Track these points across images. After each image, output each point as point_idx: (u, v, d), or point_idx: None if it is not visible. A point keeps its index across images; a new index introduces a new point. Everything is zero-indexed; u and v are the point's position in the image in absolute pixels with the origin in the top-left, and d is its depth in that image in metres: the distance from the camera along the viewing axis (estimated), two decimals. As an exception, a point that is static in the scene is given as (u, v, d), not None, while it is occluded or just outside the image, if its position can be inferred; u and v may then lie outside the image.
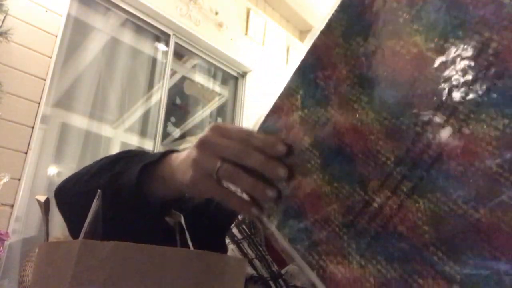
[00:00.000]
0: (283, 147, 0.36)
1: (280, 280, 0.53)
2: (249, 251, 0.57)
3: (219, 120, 3.06)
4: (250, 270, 0.55)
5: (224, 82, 3.12)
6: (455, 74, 0.29)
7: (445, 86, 0.29)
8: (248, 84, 3.09)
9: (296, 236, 0.34)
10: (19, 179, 1.74)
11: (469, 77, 0.28)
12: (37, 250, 0.34)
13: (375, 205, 0.30)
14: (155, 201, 0.46)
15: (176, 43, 2.67)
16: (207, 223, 0.62)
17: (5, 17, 1.74)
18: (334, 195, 0.33)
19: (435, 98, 0.29)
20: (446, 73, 0.29)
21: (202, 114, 3.01)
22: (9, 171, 1.60)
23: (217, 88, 3.07)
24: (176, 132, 2.82)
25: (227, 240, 0.59)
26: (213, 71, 3.02)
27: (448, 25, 0.30)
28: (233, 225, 0.61)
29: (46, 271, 0.32)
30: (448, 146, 0.28)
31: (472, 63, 0.28)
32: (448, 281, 0.26)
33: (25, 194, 1.78)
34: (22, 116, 1.79)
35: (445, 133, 0.28)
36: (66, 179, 0.55)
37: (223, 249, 0.59)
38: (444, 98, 0.29)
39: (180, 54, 2.82)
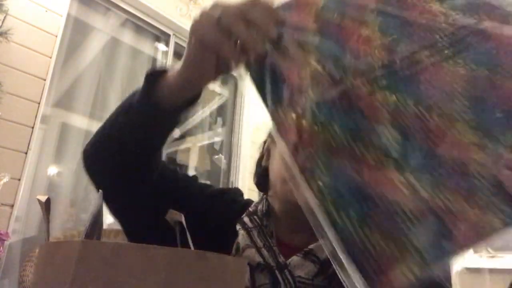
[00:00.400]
0: (282, 15, 0.42)
1: (286, 271, 0.53)
2: (258, 240, 0.58)
3: (219, 120, 3.06)
4: (257, 258, 0.56)
5: (224, 82, 3.12)
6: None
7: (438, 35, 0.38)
8: (248, 84, 3.09)
9: (273, 96, 0.39)
10: (19, 179, 1.74)
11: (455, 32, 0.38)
12: (37, 250, 0.34)
13: (348, 85, 0.37)
14: (168, 107, 0.51)
15: (176, 43, 2.67)
16: (209, 222, 0.62)
17: (5, 17, 1.73)
18: (317, 71, 0.38)
19: (430, 39, 0.38)
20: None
21: (202, 114, 3.01)
22: (9, 171, 1.59)
23: (217, 88, 3.07)
24: (176, 132, 2.82)
25: (238, 227, 0.60)
26: (213, 71, 3.01)
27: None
28: (244, 214, 0.62)
29: (47, 271, 0.32)
30: (424, 69, 0.36)
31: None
32: None
33: (25, 194, 1.78)
34: (22, 116, 1.79)
35: (426, 61, 0.36)
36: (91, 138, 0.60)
37: (225, 248, 0.60)
38: (435, 41, 0.38)
39: (180, 54, 2.81)
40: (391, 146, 0.33)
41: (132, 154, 0.55)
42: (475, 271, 2.60)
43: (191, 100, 0.52)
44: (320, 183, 0.33)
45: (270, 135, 0.68)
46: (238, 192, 0.71)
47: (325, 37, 0.40)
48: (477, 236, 0.29)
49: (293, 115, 0.36)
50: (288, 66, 0.40)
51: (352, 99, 0.36)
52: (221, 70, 0.47)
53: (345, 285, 0.30)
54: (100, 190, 0.39)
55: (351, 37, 0.40)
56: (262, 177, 0.66)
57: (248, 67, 0.42)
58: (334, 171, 0.33)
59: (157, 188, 0.60)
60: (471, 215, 0.29)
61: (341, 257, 0.30)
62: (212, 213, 0.64)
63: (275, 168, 0.61)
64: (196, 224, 0.59)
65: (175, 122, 0.55)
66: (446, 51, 0.37)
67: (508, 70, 0.34)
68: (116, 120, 0.55)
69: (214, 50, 0.43)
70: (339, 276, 0.30)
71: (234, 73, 0.46)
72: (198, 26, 0.43)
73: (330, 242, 0.31)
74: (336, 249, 0.30)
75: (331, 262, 0.31)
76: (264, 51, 0.41)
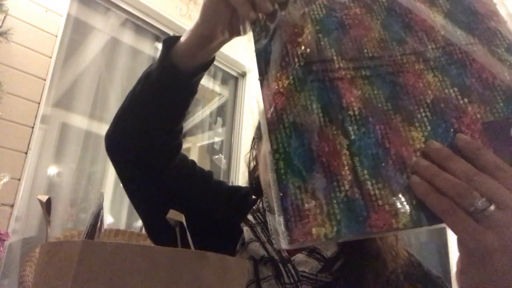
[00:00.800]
0: None
1: (289, 265, 0.54)
2: (262, 235, 0.58)
3: (219, 120, 3.06)
4: (261, 251, 0.56)
5: (224, 82, 3.12)
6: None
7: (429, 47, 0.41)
8: (248, 84, 3.09)
9: (268, 57, 0.42)
10: (19, 179, 1.73)
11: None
12: (37, 250, 0.34)
13: (336, 65, 0.40)
14: (185, 69, 0.53)
15: (176, 43, 2.66)
16: (210, 223, 0.62)
17: (5, 17, 1.73)
18: (314, 42, 0.41)
19: (422, 46, 0.41)
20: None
21: (202, 114, 3.01)
22: (9, 171, 1.59)
23: (217, 88, 3.07)
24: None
25: (242, 224, 0.61)
26: (213, 71, 3.01)
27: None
28: (248, 213, 0.63)
29: (47, 271, 0.32)
30: (405, 72, 0.39)
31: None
32: None
33: (25, 194, 1.78)
34: (22, 116, 1.79)
35: (410, 66, 0.40)
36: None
37: (234, 243, 0.60)
38: (425, 50, 0.41)
39: (180, 54, 2.81)
40: (351, 130, 0.37)
41: (154, 127, 0.56)
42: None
43: (206, 64, 0.55)
44: (281, 144, 0.36)
45: (254, 144, 0.70)
46: (248, 190, 0.73)
47: (331, 13, 0.43)
48: (387, 228, 0.33)
49: (278, 74, 0.40)
50: (290, 31, 0.43)
51: (334, 76, 0.39)
52: (234, 31, 0.50)
53: (270, 227, 0.35)
54: (102, 192, 0.39)
55: (354, 21, 0.43)
56: (256, 185, 0.68)
57: (255, 26, 0.45)
58: (296, 135, 0.37)
59: (175, 177, 0.61)
60: (391, 208, 0.33)
61: (274, 203, 0.34)
62: (225, 209, 0.65)
63: (261, 170, 0.62)
64: (206, 219, 0.60)
65: (191, 86, 0.57)
66: (431, 62, 0.40)
67: (472, 94, 0.38)
68: (136, 92, 0.56)
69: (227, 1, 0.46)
70: (268, 223, 0.35)
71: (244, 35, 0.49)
72: None
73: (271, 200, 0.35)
74: (274, 203, 0.34)
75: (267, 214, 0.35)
76: (272, 9, 0.44)
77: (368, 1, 0.44)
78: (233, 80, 3.15)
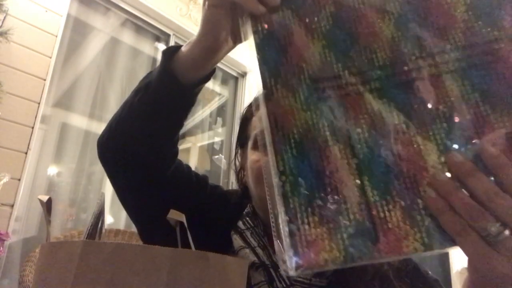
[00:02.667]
0: None
1: (280, 270, 0.53)
2: (252, 240, 0.58)
3: (219, 120, 3.06)
4: (252, 257, 0.56)
5: (224, 82, 3.12)
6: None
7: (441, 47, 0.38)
8: (248, 84, 3.09)
9: (270, 64, 0.40)
10: (19, 179, 1.73)
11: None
12: (37, 250, 0.34)
13: (343, 81, 0.38)
14: (186, 81, 0.52)
15: (176, 43, 2.67)
16: (214, 223, 0.62)
17: (5, 17, 1.74)
18: (320, 58, 0.39)
19: (440, 47, 0.38)
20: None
21: (202, 114, 3.01)
22: (9, 171, 1.59)
23: (217, 88, 3.07)
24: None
25: (232, 232, 0.60)
26: (213, 71, 3.01)
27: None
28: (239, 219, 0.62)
29: (48, 271, 0.32)
30: (420, 78, 0.36)
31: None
32: None
33: (25, 194, 1.78)
34: (22, 116, 1.79)
35: (426, 71, 0.37)
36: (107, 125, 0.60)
37: (226, 247, 0.60)
38: (443, 50, 0.38)
39: (180, 54, 2.81)
40: (359, 148, 0.35)
41: (151, 137, 0.55)
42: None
43: (207, 75, 0.55)
44: (287, 166, 0.35)
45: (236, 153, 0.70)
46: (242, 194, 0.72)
47: (338, 23, 0.40)
48: (397, 252, 0.31)
49: (284, 91, 0.38)
50: (294, 39, 0.40)
51: (341, 94, 0.37)
52: (237, 38, 0.49)
53: (276, 254, 0.34)
54: (103, 192, 0.39)
55: (364, 29, 0.40)
56: (244, 191, 0.68)
57: (257, 27, 0.42)
58: (303, 155, 0.35)
59: (171, 183, 0.61)
60: (400, 231, 0.32)
61: (281, 228, 0.33)
62: (220, 215, 0.65)
63: (250, 178, 0.62)
64: (201, 224, 0.60)
65: (192, 97, 0.56)
66: (450, 64, 0.36)
67: (496, 101, 0.34)
68: (134, 102, 0.55)
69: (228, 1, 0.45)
70: (275, 242, 0.34)
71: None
72: None
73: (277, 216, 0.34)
74: (281, 228, 0.33)
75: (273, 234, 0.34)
76: (277, 4, 0.42)
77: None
78: (233, 80, 3.15)
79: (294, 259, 0.32)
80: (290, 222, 0.33)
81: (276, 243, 0.34)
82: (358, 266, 0.53)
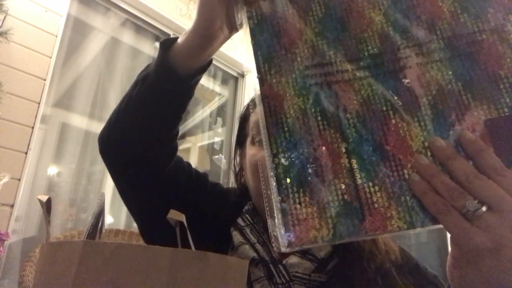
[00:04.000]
0: None
1: (280, 265, 0.54)
2: (252, 236, 0.58)
3: (219, 120, 3.06)
4: (251, 253, 0.56)
5: (224, 82, 3.12)
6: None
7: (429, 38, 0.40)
8: (248, 84, 3.09)
9: (264, 51, 0.41)
10: (19, 179, 1.73)
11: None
12: (37, 250, 0.34)
13: (334, 69, 0.39)
14: (183, 72, 0.53)
15: (176, 43, 2.67)
16: (215, 221, 0.62)
17: (5, 17, 1.73)
18: (313, 45, 0.40)
19: (426, 37, 0.39)
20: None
21: (202, 114, 3.01)
22: (9, 171, 1.59)
23: (217, 88, 3.07)
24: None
25: (231, 228, 0.61)
26: (213, 71, 3.01)
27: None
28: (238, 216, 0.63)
29: (47, 271, 0.32)
30: (408, 67, 0.38)
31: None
32: None
33: (25, 194, 1.78)
34: (22, 116, 1.79)
35: (413, 60, 0.38)
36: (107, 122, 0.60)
37: (226, 243, 0.60)
38: (430, 40, 0.39)
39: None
40: (349, 133, 0.37)
41: (150, 130, 0.55)
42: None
43: (204, 66, 0.55)
44: (280, 148, 0.37)
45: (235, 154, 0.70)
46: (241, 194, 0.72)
47: (330, 11, 0.42)
48: (382, 230, 0.34)
49: (277, 77, 0.39)
50: (288, 25, 0.42)
51: (332, 80, 0.39)
52: (233, 25, 0.50)
53: (270, 231, 0.35)
54: (103, 192, 0.39)
55: (355, 15, 0.41)
56: (243, 189, 0.69)
57: (252, 12, 0.44)
58: (295, 139, 0.37)
59: (171, 179, 0.61)
60: (386, 211, 0.34)
61: (274, 207, 0.35)
62: (220, 212, 0.65)
63: (248, 174, 0.63)
64: (201, 221, 0.60)
65: (189, 89, 0.56)
66: (435, 54, 0.38)
67: (477, 90, 0.36)
68: (132, 94, 0.55)
69: None
70: (268, 223, 0.36)
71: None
72: None
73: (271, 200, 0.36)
74: (274, 207, 0.35)
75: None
76: None
77: None
78: (233, 80, 3.15)
79: (286, 236, 0.34)
80: (282, 201, 0.35)
81: (269, 221, 0.35)
82: (359, 263, 0.54)
